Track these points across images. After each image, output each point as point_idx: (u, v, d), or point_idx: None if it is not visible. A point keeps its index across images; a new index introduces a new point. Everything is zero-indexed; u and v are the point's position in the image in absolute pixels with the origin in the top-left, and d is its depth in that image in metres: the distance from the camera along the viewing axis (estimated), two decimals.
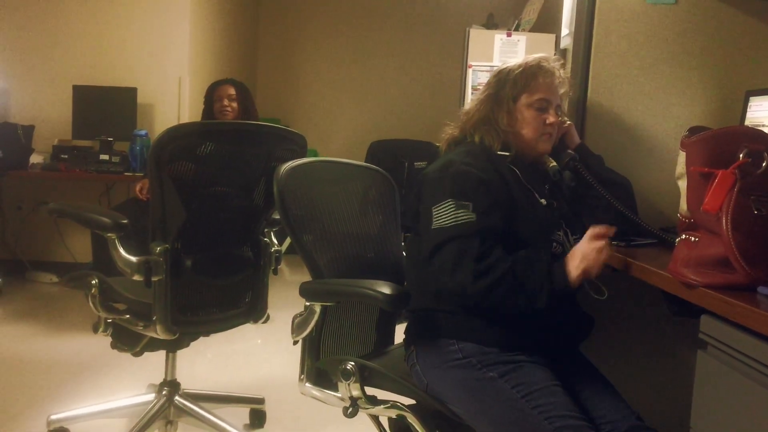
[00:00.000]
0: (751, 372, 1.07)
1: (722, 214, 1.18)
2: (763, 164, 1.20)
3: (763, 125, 1.81)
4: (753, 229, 1.18)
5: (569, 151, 1.85)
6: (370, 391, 1.63)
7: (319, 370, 1.73)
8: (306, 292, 1.69)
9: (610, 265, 1.68)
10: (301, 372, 1.75)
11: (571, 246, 1.70)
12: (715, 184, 1.20)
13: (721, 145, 1.23)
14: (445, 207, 1.60)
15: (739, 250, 1.16)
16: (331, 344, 1.81)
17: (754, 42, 2.04)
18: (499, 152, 1.74)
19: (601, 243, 1.55)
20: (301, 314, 1.72)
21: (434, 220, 1.60)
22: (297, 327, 1.72)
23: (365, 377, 1.60)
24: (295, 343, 1.76)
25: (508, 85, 1.77)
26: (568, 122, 1.89)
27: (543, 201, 1.73)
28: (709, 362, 1.20)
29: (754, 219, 1.18)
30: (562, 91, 1.81)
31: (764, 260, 1.17)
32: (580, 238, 1.69)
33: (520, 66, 1.78)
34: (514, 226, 1.63)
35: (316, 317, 1.68)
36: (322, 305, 1.68)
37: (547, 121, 1.76)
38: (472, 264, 1.53)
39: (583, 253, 1.54)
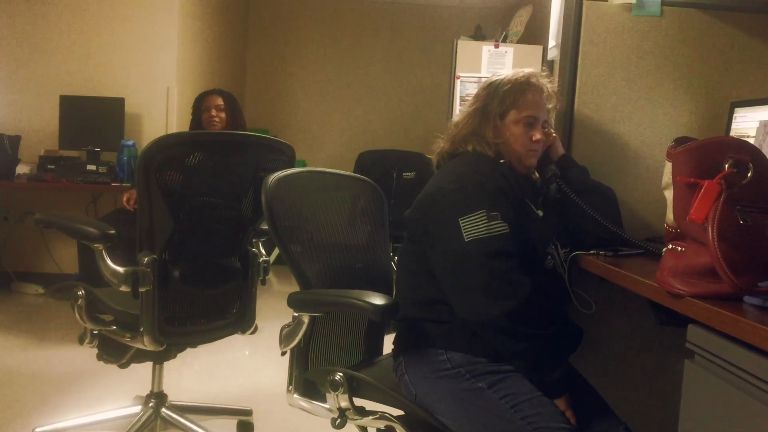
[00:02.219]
0: (738, 381, 1.08)
1: (708, 224, 1.19)
2: (749, 174, 1.21)
3: (748, 136, 1.82)
4: (739, 239, 1.19)
5: (551, 166, 1.85)
6: (358, 402, 1.62)
7: (307, 381, 1.72)
8: (294, 302, 1.68)
9: (598, 275, 1.69)
10: (289, 383, 1.75)
11: (561, 259, 1.71)
12: (701, 194, 1.20)
13: (707, 155, 1.24)
14: (475, 218, 1.57)
15: (725, 260, 1.17)
16: (320, 355, 1.80)
17: (739, 54, 2.06)
18: (500, 161, 1.75)
19: None
20: (289, 325, 1.71)
21: (465, 232, 1.57)
22: (285, 338, 1.72)
23: (353, 388, 1.60)
24: (284, 354, 1.75)
25: (497, 100, 1.77)
26: (554, 134, 1.90)
27: (540, 212, 1.75)
28: (696, 371, 1.20)
29: (740, 229, 1.19)
30: (549, 105, 1.82)
31: (750, 270, 1.18)
32: (570, 251, 1.70)
33: (509, 81, 1.78)
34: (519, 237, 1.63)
35: (304, 328, 1.68)
36: (310, 316, 1.68)
37: (534, 138, 1.76)
38: (512, 289, 1.54)
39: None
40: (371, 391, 1.63)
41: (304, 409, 1.73)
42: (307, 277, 1.72)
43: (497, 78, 1.81)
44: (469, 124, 1.80)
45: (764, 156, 1.26)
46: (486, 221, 1.56)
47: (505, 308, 1.51)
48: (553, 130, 1.89)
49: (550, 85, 1.82)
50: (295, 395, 1.74)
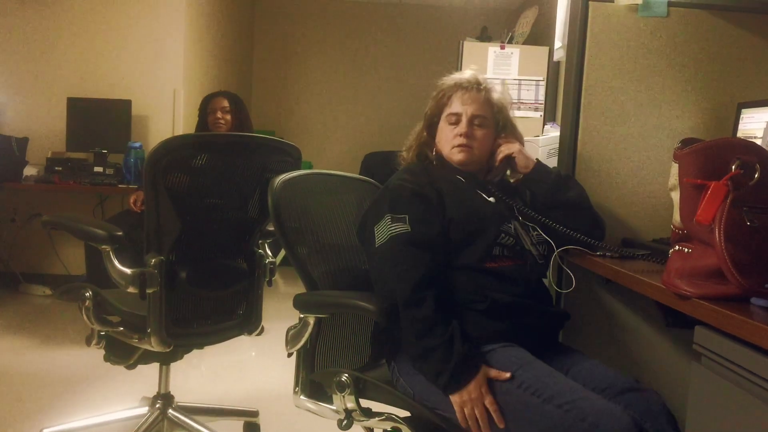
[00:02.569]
0: (745, 383, 1.08)
1: (715, 225, 1.19)
2: (756, 175, 1.21)
3: (755, 137, 1.82)
4: (745, 240, 1.19)
5: (509, 177, 1.91)
6: (365, 403, 1.62)
7: (313, 382, 1.72)
8: (299, 304, 1.69)
9: (604, 276, 1.69)
10: (296, 384, 1.75)
11: (531, 241, 1.73)
12: (707, 195, 1.20)
13: (713, 156, 1.24)
14: (383, 223, 1.65)
15: (732, 261, 1.17)
16: (326, 356, 1.80)
17: (746, 54, 2.05)
18: (440, 167, 1.84)
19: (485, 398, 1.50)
20: (295, 326, 1.72)
21: (376, 239, 1.65)
22: (291, 339, 1.72)
23: (360, 389, 1.60)
24: (290, 355, 1.75)
25: (433, 103, 1.89)
26: (511, 146, 1.85)
27: (491, 199, 1.79)
28: (703, 373, 1.20)
29: (747, 230, 1.19)
30: (486, 104, 1.84)
31: (757, 271, 1.18)
32: (554, 237, 1.75)
33: (444, 84, 1.89)
34: (459, 222, 1.68)
35: (309, 329, 1.68)
36: (315, 317, 1.68)
37: (457, 132, 1.81)
38: (405, 271, 1.56)
39: (471, 400, 1.49)
40: (378, 392, 1.63)
41: (310, 411, 1.73)
42: (313, 279, 1.73)
43: (440, 82, 1.91)
44: (417, 131, 1.93)
45: None
46: (390, 223, 1.64)
47: (411, 280, 1.54)
48: (509, 143, 1.86)
49: (495, 91, 1.87)
50: (302, 397, 1.74)
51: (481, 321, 1.60)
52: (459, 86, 1.85)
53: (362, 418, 1.61)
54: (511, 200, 1.81)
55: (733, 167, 1.21)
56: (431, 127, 1.89)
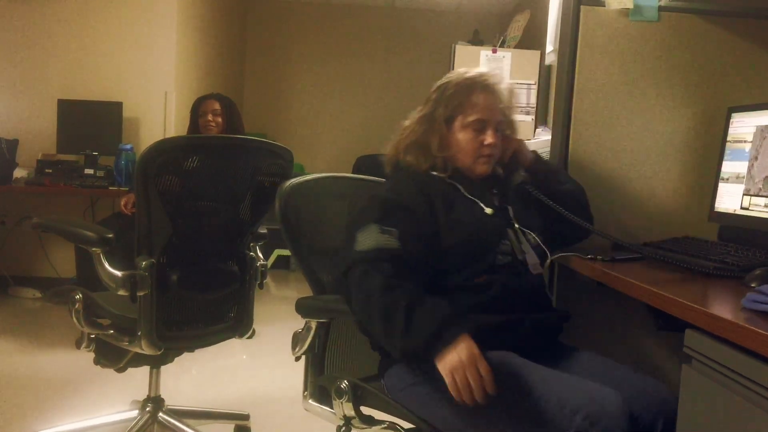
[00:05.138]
0: (735, 386, 1.08)
1: None
2: None
3: (745, 141, 1.83)
4: None
5: (521, 173, 1.78)
6: (369, 411, 1.60)
7: (321, 387, 1.72)
8: (301, 308, 1.68)
9: (595, 279, 1.69)
10: (305, 389, 1.75)
11: (528, 245, 1.67)
12: None
13: None
14: (368, 231, 1.55)
15: None
16: (337, 362, 1.81)
17: (736, 59, 2.07)
18: (432, 173, 1.71)
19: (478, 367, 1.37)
20: (300, 330, 1.72)
21: (357, 243, 1.54)
22: (296, 343, 1.72)
23: (358, 396, 1.57)
24: (297, 359, 1.75)
25: (442, 105, 1.70)
26: (519, 139, 1.81)
27: (489, 210, 1.67)
28: (693, 376, 1.20)
29: None
30: (503, 106, 1.73)
31: None
32: (546, 239, 1.69)
33: (455, 83, 1.71)
34: (451, 242, 1.59)
35: (312, 333, 1.68)
36: (317, 322, 1.68)
37: (485, 142, 1.68)
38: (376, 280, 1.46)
39: (461, 363, 1.35)
40: (376, 400, 1.60)
41: (317, 415, 1.72)
42: (322, 283, 1.73)
43: (445, 80, 1.74)
44: (414, 131, 1.73)
45: None
46: (378, 233, 1.53)
47: (373, 283, 1.45)
48: (516, 136, 1.81)
49: (501, 84, 1.73)
50: (310, 400, 1.74)
51: (476, 336, 1.46)
52: (479, 85, 1.69)
53: (362, 426, 1.57)
54: (531, 192, 1.73)
55: None
56: (435, 130, 1.71)
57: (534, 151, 1.88)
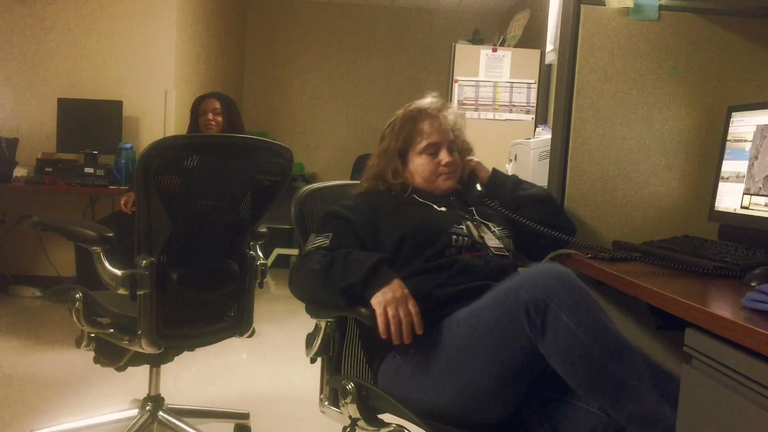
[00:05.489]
0: (736, 386, 1.08)
1: None
2: None
3: (745, 140, 1.83)
4: None
5: (478, 188, 1.93)
6: (381, 416, 1.60)
7: (334, 389, 1.72)
8: (310, 308, 1.70)
9: (595, 278, 1.69)
10: (321, 391, 1.76)
11: (490, 236, 1.75)
12: None
13: None
14: (310, 240, 1.72)
15: None
16: (353, 364, 1.82)
17: (736, 58, 2.06)
18: (391, 192, 1.85)
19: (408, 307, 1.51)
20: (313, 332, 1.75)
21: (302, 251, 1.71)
22: (307, 344, 1.74)
23: (363, 397, 1.57)
24: (313, 361, 1.77)
25: (394, 139, 1.85)
26: (475, 160, 1.95)
27: (442, 209, 1.79)
28: (693, 376, 1.20)
29: None
30: (451, 128, 1.87)
31: None
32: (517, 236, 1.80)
33: (402, 117, 1.87)
34: (401, 232, 1.69)
35: (321, 334, 1.70)
36: (326, 322, 1.70)
37: (443, 162, 1.82)
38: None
39: (394, 299, 1.49)
40: (382, 402, 1.59)
41: (332, 417, 1.72)
42: None
43: (394, 117, 1.91)
44: (375, 165, 1.89)
45: None
46: (313, 238, 1.70)
47: (312, 260, 1.62)
48: (473, 156, 1.96)
49: (445, 109, 1.88)
50: (326, 403, 1.75)
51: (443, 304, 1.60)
52: (423, 114, 1.85)
53: (367, 428, 1.58)
54: (465, 207, 1.85)
55: None
56: (389, 163, 1.86)
57: (493, 168, 1.99)
